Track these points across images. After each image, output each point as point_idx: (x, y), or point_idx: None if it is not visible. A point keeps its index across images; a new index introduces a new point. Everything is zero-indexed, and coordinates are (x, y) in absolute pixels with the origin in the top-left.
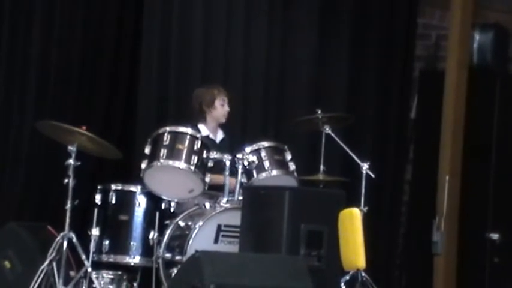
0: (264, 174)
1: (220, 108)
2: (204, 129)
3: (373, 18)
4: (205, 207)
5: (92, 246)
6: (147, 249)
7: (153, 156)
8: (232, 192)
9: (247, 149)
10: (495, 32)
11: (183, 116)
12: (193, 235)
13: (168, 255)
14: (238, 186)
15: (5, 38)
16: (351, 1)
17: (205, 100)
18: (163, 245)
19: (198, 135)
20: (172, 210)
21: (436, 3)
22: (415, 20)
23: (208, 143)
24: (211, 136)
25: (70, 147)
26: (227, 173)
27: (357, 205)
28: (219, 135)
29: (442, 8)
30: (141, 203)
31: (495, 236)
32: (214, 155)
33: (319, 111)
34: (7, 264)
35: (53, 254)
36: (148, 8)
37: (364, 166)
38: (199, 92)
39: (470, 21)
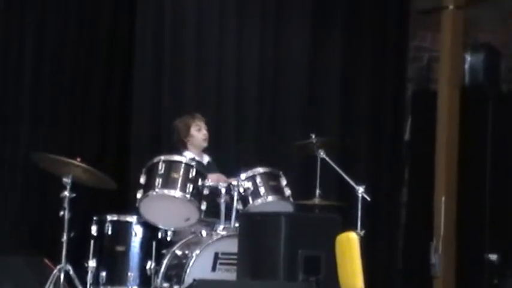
0: (259, 201)
1: (197, 134)
2: (189, 155)
3: (365, 41)
4: (201, 235)
5: (89, 278)
6: (145, 279)
7: (148, 186)
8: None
9: (242, 176)
10: (486, 52)
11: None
12: (190, 264)
13: (165, 284)
14: (234, 213)
15: None
16: (343, 23)
17: (182, 131)
18: (160, 274)
19: (193, 163)
20: (168, 239)
21: (427, 26)
22: (406, 42)
23: (203, 171)
24: (197, 159)
25: (65, 179)
26: (223, 200)
27: (354, 229)
28: (205, 159)
29: (432, 30)
30: (137, 233)
31: (494, 257)
32: (209, 182)
33: (314, 136)
34: None
35: (51, 287)
36: (140, 35)
37: (360, 189)
38: (175, 125)
39: (461, 42)
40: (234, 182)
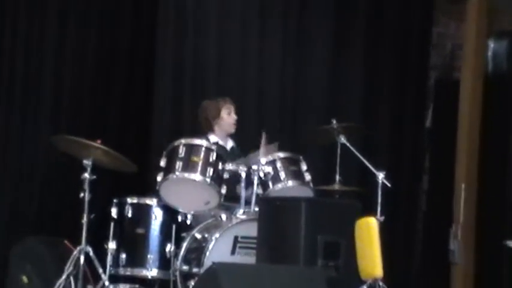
0: (279, 185)
1: (227, 118)
2: (214, 138)
3: (388, 27)
4: (221, 219)
5: (109, 259)
6: (164, 262)
7: (169, 169)
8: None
9: (263, 160)
10: (510, 40)
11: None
12: (210, 247)
13: (185, 267)
14: (254, 197)
15: (19, 55)
16: (365, 11)
17: (211, 112)
18: (180, 257)
19: (213, 147)
20: (188, 222)
21: (451, 13)
22: (430, 29)
23: (223, 155)
24: (221, 143)
25: (85, 161)
26: (243, 184)
27: (374, 214)
28: (229, 144)
29: (457, 17)
30: (157, 216)
31: None
32: (229, 166)
33: (335, 121)
34: (24, 279)
35: (70, 268)
36: (162, 22)
37: (380, 175)
38: (205, 105)
39: (485, 30)
40: (255, 167)
